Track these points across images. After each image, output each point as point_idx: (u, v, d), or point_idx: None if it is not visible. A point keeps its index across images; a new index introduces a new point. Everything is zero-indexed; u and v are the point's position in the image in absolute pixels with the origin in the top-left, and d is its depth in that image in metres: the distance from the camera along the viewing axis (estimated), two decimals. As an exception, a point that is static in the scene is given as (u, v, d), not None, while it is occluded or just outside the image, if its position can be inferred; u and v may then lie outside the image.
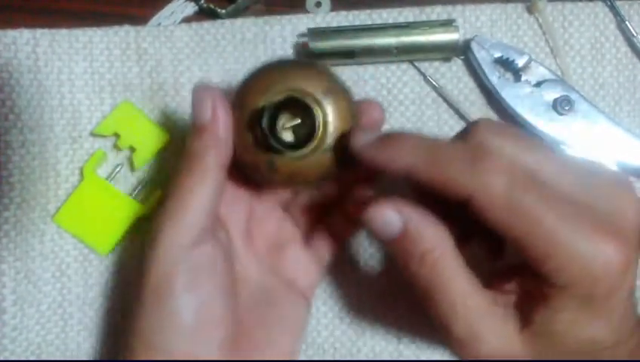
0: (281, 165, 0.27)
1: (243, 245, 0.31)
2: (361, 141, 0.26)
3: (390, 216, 0.25)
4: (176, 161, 0.36)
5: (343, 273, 0.36)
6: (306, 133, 0.27)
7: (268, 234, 0.32)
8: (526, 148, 0.25)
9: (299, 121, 0.28)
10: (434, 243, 0.25)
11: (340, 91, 0.28)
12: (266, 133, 0.26)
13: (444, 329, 0.25)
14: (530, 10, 0.37)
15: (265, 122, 0.26)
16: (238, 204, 0.31)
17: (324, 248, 0.32)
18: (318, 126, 0.27)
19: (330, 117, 0.27)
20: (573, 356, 0.25)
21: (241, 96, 0.28)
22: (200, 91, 0.27)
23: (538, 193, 0.23)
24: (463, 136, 0.26)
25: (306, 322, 0.32)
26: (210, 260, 0.28)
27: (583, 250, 0.23)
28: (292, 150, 0.27)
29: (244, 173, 0.30)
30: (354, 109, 0.28)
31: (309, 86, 0.27)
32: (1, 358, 0.34)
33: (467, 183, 0.24)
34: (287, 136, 0.28)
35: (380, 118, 0.30)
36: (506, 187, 0.23)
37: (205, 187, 0.27)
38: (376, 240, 0.27)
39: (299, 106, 0.27)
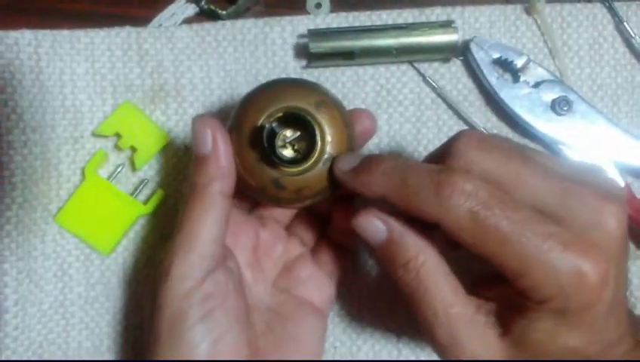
0: (287, 182, 0.28)
1: (252, 272, 0.31)
2: (342, 167, 0.28)
3: (375, 223, 0.27)
4: (177, 161, 0.36)
5: (343, 272, 0.36)
6: (306, 148, 0.28)
7: (276, 257, 0.32)
8: (506, 161, 0.25)
9: (299, 133, 0.29)
10: (417, 251, 0.26)
11: (332, 103, 0.29)
12: (269, 149, 0.27)
13: (427, 333, 0.26)
14: (528, 12, 0.37)
15: (265, 138, 0.27)
16: (244, 231, 0.31)
17: (332, 261, 0.33)
18: (317, 136, 0.27)
19: (326, 127, 0.28)
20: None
21: (239, 118, 0.28)
22: (199, 123, 0.28)
23: (506, 212, 0.23)
24: (444, 149, 0.26)
25: (324, 336, 0.32)
26: (222, 289, 0.28)
27: (555, 266, 0.23)
28: (295, 165, 0.28)
29: (250, 196, 0.30)
30: (348, 119, 0.29)
31: (302, 102, 0.28)
32: (3, 357, 0.34)
33: (433, 210, 0.24)
34: (288, 154, 0.29)
35: (371, 127, 0.31)
36: (470, 211, 0.23)
37: (212, 217, 0.27)
38: (367, 245, 0.28)
39: (297, 122, 0.28)
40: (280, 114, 0.28)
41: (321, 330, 0.32)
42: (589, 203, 0.24)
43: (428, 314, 0.26)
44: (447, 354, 0.26)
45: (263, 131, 0.27)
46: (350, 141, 0.29)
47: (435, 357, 0.36)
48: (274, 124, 0.28)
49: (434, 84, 0.37)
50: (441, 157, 0.26)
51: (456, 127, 0.37)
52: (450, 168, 0.25)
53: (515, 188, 0.24)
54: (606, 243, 0.24)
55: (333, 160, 0.28)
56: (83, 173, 0.35)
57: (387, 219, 0.26)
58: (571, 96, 0.36)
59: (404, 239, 0.26)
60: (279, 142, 0.29)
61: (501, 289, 0.26)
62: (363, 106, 0.37)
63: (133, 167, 0.36)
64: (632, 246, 0.37)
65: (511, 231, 0.23)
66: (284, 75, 0.36)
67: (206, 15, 0.37)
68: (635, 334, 0.26)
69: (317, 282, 0.32)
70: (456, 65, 0.37)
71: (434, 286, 0.26)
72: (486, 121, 0.37)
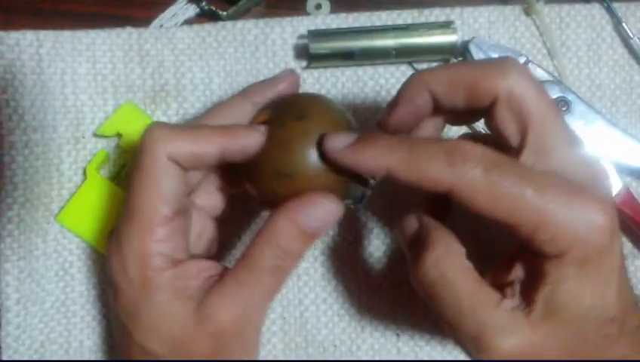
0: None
1: None
2: (336, 145, 0.27)
3: (408, 219, 0.28)
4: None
5: (343, 272, 0.36)
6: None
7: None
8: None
9: None
10: (444, 250, 0.26)
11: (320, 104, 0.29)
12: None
13: (453, 328, 0.26)
14: (527, 12, 0.37)
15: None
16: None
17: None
18: None
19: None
20: (582, 330, 0.25)
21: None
22: None
23: (515, 172, 0.24)
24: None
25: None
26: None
27: (568, 215, 0.24)
28: None
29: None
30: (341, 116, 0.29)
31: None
32: (5, 356, 0.34)
33: (446, 178, 0.24)
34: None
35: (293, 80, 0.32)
36: (484, 173, 0.24)
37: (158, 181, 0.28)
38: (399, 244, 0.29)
39: None
40: None
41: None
42: (583, 163, 0.26)
43: (452, 306, 0.26)
44: (477, 345, 0.25)
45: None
46: None
47: (433, 354, 0.36)
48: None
49: (433, 84, 0.37)
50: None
51: (455, 126, 0.37)
52: (458, 139, 0.25)
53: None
54: (607, 197, 0.25)
55: (321, 140, 0.28)
56: (84, 173, 0.35)
57: (419, 214, 0.28)
58: (570, 97, 0.36)
59: (433, 235, 0.27)
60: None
61: (518, 267, 0.27)
62: (362, 107, 0.37)
63: (135, 167, 0.36)
64: (631, 246, 0.37)
65: (526, 187, 0.24)
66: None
67: (207, 16, 0.38)
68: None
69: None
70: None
71: (457, 277, 0.26)
72: (485, 121, 0.37)
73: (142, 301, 0.28)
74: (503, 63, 0.26)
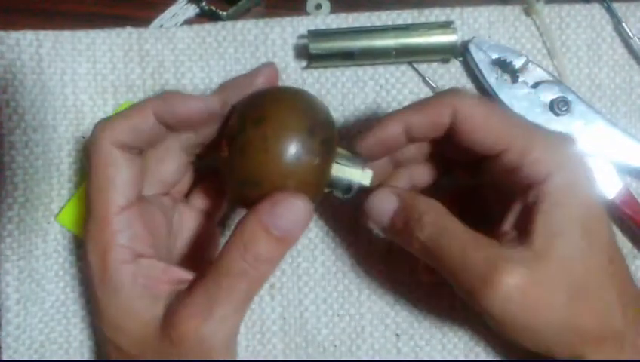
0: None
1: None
2: (367, 141, 0.29)
3: (387, 194, 0.29)
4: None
5: (342, 272, 0.37)
6: None
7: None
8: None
9: None
10: (428, 207, 0.28)
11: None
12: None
13: (458, 274, 0.27)
14: (527, 12, 0.37)
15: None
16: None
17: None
18: None
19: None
20: (583, 262, 0.27)
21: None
22: None
23: (504, 110, 0.30)
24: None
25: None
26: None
27: (551, 140, 0.28)
28: None
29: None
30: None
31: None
32: (5, 356, 0.34)
33: (450, 99, 0.28)
34: None
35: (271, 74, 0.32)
36: (480, 102, 0.28)
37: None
38: (377, 227, 0.30)
39: None
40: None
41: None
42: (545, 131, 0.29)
43: (456, 255, 0.27)
44: (483, 284, 0.26)
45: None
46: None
47: (433, 353, 0.36)
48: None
49: (433, 84, 0.37)
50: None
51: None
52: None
53: None
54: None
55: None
56: (84, 173, 0.35)
57: (395, 189, 0.30)
58: (570, 97, 0.36)
59: (415, 201, 0.28)
60: None
61: (510, 217, 0.28)
62: (363, 107, 0.37)
63: (135, 167, 0.36)
64: (631, 246, 0.37)
65: (513, 116, 0.30)
66: (284, 76, 0.37)
67: (207, 16, 0.38)
68: None
69: None
70: (455, 65, 0.37)
71: (454, 230, 0.27)
72: (485, 121, 0.37)
73: (106, 295, 0.28)
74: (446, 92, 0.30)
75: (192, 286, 0.27)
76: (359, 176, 0.29)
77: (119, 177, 0.28)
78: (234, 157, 0.27)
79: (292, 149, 0.26)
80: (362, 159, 0.29)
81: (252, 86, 0.31)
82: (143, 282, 0.28)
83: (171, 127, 0.29)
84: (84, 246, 0.29)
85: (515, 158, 0.27)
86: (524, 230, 0.27)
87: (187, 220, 0.32)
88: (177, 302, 0.27)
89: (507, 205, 0.29)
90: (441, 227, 0.27)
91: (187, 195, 0.34)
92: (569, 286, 0.26)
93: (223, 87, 0.32)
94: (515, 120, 0.29)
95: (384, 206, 0.29)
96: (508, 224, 0.28)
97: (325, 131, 0.28)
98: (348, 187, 0.29)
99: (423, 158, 0.32)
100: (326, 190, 0.29)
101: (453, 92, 0.29)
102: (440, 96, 0.29)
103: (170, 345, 0.27)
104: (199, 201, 0.33)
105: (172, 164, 0.31)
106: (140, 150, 0.29)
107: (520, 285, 0.26)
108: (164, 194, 0.32)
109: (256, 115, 0.27)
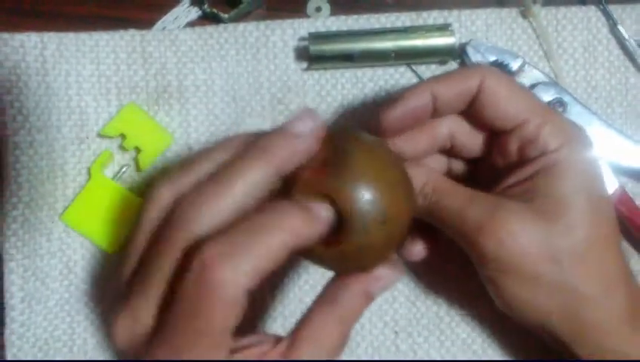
0: None
1: None
2: (396, 112, 0.29)
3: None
4: (180, 161, 0.37)
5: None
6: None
7: None
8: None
9: None
10: (426, 177, 0.29)
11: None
12: None
13: (458, 227, 0.28)
14: (524, 15, 0.38)
15: None
16: None
17: None
18: None
19: None
20: (586, 224, 0.27)
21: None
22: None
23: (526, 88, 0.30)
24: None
25: None
26: None
27: (567, 122, 0.29)
28: None
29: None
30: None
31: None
32: (10, 354, 0.34)
33: (479, 70, 0.29)
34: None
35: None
36: (504, 75, 0.29)
37: None
38: None
39: None
40: None
41: None
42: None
43: (455, 208, 0.28)
44: (476, 241, 0.27)
45: None
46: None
47: (431, 351, 0.36)
48: None
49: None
50: None
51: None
52: None
53: None
54: None
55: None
56: (88, 173, 0.36)
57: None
58: (566, 98, 0.36)
59: (414, 172, 0.28)
60: None
61: (515, 173, 0.29)
62: (362, 109, 0.37)
63: (138, 167, 0.36)
64: (627, 245, 0.37)
65: (536, 96, 0.30)
66: (284, 78, 0.37)
67: (209, 18, 0.38)
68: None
69: None
70: (453, 67, 0.38)
71: (450, 192, 0.29)
72: (483, 122, 0.37)
73: None
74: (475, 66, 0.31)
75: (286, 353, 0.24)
76: None
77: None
78: (348, 248, 0.25)
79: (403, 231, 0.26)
80: None
81: (299, 156, 0.25)
82: None
83: None
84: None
85: (532, 130, 0.28)
86: (527, 190, 0.28)
87: None
88: None
89: (512, 170, 0.29)
90: (441, 190, 0.29)
91: None
92: (569, 250, 0.27)
93: (268, 156, 0.25)
94: (535, 97, 0.30)
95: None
96: (512, 179, 0.29)
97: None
98: None
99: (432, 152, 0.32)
100: None
101: (480, 66, 0.30)
102: (468, 68, 0.30)
103: None
104: None
105: None
106: None
107: (514, 231, 0.27)
108: None
109: (379, 212, 0.24)
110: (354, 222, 0.24)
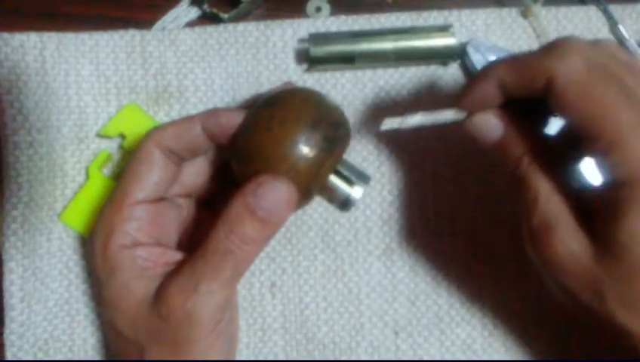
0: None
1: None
2: (466, 101, 0.29)
3: (493, 121, 0.28)
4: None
5: (342, 270, 0.37)
6: None
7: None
8: (599, 47, 0.26)
9: None
10: (527, 147, 0.28)
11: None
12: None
13: (524, 218, 0.27)
14: (524, 15, 0.38)
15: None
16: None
17: None
18: None
19: None
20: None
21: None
22: None
23: (612, 80, 0.24)
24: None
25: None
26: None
27: None
28: None
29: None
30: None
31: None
32: (9, 354, 0.34)
33: (548, 64, 0.25)
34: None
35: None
36: (585, 68, 0.24)
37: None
38: (476, 144, 0.29)
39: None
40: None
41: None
42: None
43: (529, 198, 0.27)
44: (537, 237, 0.26)
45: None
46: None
47: (431, 351, 0.36)
48: None
49: (432, 86, 0.37)
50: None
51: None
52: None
53: (608, 68, 0.25)
54: None
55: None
56: (87, 173, 0.36)
57: (503, 116, 0.28)
58: (566, 98, 0.36)
59: (517, 137, 0.28)
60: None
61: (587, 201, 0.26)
62: (363, 109, 0.37)
63: (137, 167, 0.36)
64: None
65: (618, 99, 0.24)
66: (285, 78, 0.37)
67: (208, 18, 0.38)
68: None
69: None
70: (453, 67, 0.38)
71: (540, 177, 0.27)
72: (483, 122, 0.37)
73: (105, 275, 0.30)
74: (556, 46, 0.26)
75: (182, 265, 0.29)
76: (354, 190, 0.30)
77: (148, 175, 0.30)
78: (239, 131, 0.29)
79: (293, 134, 0.27)
80: (365, 177, 0.30)
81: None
82: (140, 264, 0.29)
83: (216, 137, 0.30)
84: (94, 227, 0.31)
85: (598, 148, 0.24)
86: (595, 232, 0.26)
87: (204, 223, 0.34)
88: (167, 279, 0.29)
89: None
90: (531, 170, 0.27)
91: (209, 202, 0.35)
92: (630, 288, 0.25)
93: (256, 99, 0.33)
94: (615, 106, 0.24)
95: (489, 131, 0.29)
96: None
97: (331, 130, 0.28)
98: (345, 201, 0.30)
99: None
100: (324, 199, 0.30)
101: (556, 53, 0.25)
102: (540, 55, 0.26)
103: (159, 320, 0.28)
104: (218, 207, 0.33)
105: (202, 175, 0.33)
106: (180, 159, 0.31)
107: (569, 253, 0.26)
108: (184, 196, 0.34)
109: (270, 100, 0.29)
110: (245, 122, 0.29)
